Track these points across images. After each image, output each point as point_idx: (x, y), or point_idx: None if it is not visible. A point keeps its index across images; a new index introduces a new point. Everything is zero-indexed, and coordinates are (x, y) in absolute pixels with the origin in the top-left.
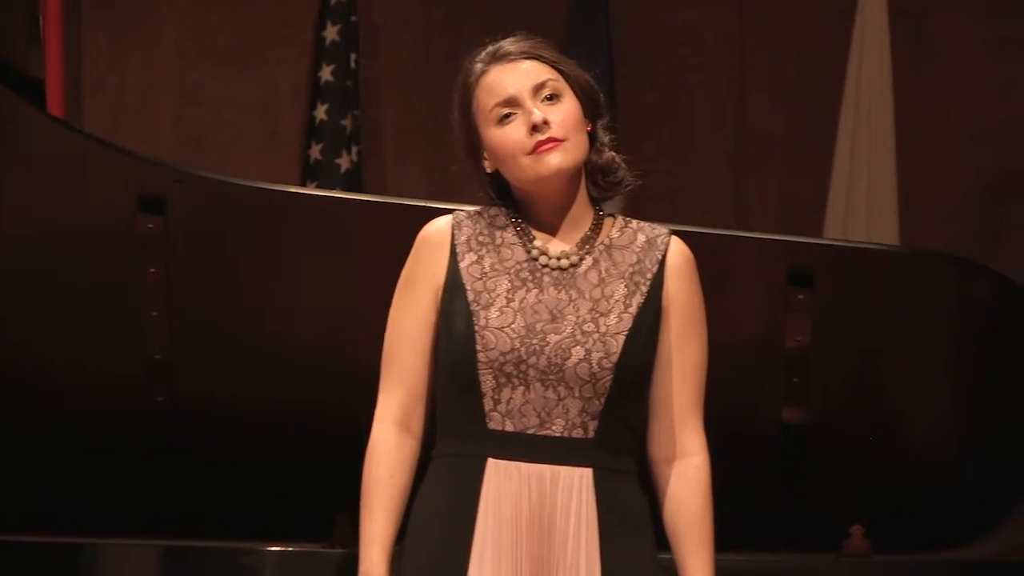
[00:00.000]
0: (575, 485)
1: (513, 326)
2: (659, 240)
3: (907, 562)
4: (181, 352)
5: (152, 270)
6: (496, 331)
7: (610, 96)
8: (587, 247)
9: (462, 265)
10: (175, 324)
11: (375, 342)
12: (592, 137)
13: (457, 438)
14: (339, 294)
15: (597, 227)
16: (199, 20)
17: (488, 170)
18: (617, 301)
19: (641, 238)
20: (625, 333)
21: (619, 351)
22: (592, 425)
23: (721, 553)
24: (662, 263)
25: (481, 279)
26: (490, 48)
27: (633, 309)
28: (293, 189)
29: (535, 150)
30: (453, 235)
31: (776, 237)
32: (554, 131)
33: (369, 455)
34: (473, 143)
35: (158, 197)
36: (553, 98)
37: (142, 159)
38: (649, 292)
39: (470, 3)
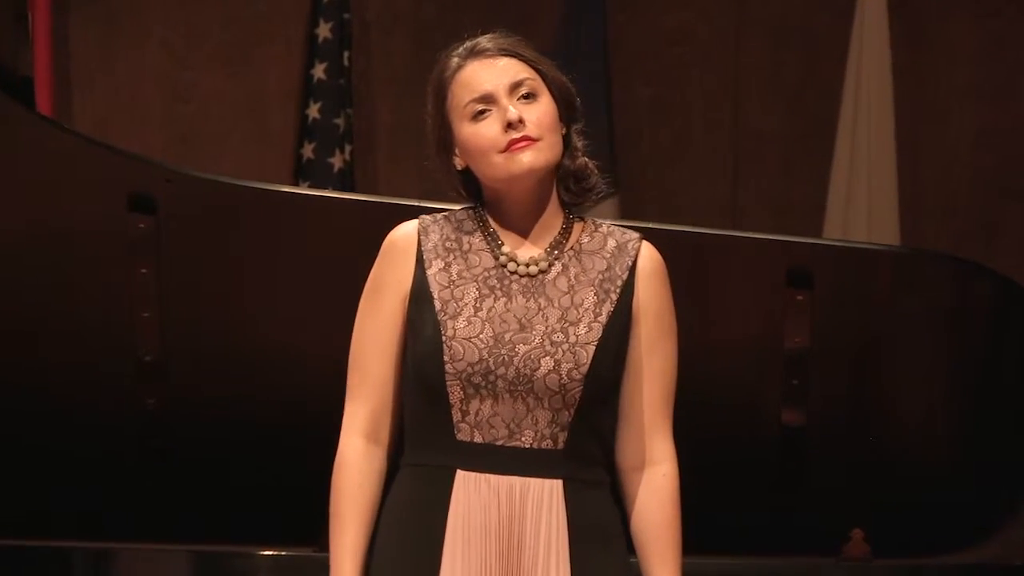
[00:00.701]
0: (545, 497)
1: (481, 336)
2: (630, 245)
3: (907, 566)
4: (172, 353)
5: (143, 270)
6: (464, 341)
7: (605, 95)
8: (556, 252)
9: (429, 272)
10: (166, 325)
11: None
12: (566, 141)
13: (425, 448)
14: (331, 295)
15: (567, 231)
16: (189, 17)
17: (459, 167)
18: (587, 310)
19: (611, 243)
20: (595, 344)
21: (588, 362)
22: (562, 436)
23: (720, 557)
24: (632, 269)
25: (448, 287)
26: (468, 43)
27: (603, 318)
28: (285, 188)
29: (508, 148)
30: (419, 241)
31: (774, 237)
32: (529, 130)
33: (338, 466)
34: (445, 138)
35: (148, 197)
36: (529, 97)
37: (132, 158)
38: (619, 300)
39: (462, 1)
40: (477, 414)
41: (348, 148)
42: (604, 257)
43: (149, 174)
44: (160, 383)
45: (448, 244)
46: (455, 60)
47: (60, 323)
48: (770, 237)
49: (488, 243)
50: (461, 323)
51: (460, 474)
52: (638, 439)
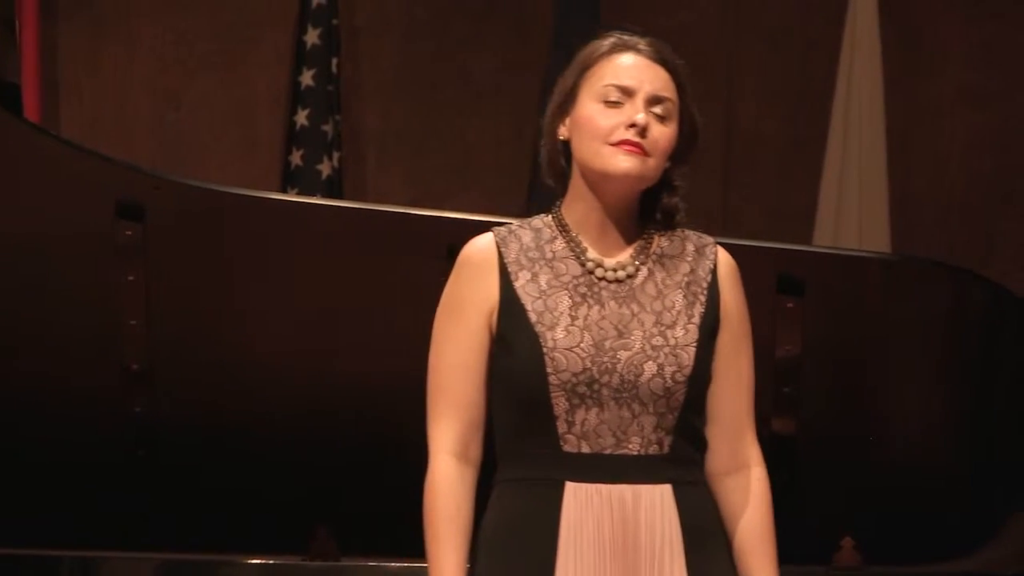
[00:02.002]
0: (657, 503)
1: (582, 345)
2: (707, 249)
3: (899, 574)
4: (160, 361)
5: (130, 277)
6: (565, 351)
7: None
8: (641, 257)
9: (517, 284)
10: (153, 332)
11: (356, 350)
12: (667, 174)
13: (528, 463)
14: (320, 302)
15: (647, 237)
16: (178, 23)
17: (562, 136)
18: (679, 312)
19: (690, 247)
20: (694, 345)
21: (691, 363)
22: (667, 441)
23: None
24: (714, 272)
25: (541, 298)
26: (634, 37)
27: (696, 320)
28: (273, 195)
29: (618, 143)
30: (500, 253)
31: (765, 244)
32: (645, 142)
33: (431, 488)
34: (564, 105)
35: (136, 203)
36: (662, 118)
37: (120, 165)
38: (707, 302)
39: (453, 6)
40: (583, 424)
41: (336, 155)
42: (686, 260)
43: (137, 181)
44: (147, 390)
45: (530, 254)
46: (614, 42)
47: (47, 330)
48: (761, 244)
49: (572, 250)
50: (560, 333)
51: (570, 486)
52: (728, 442)
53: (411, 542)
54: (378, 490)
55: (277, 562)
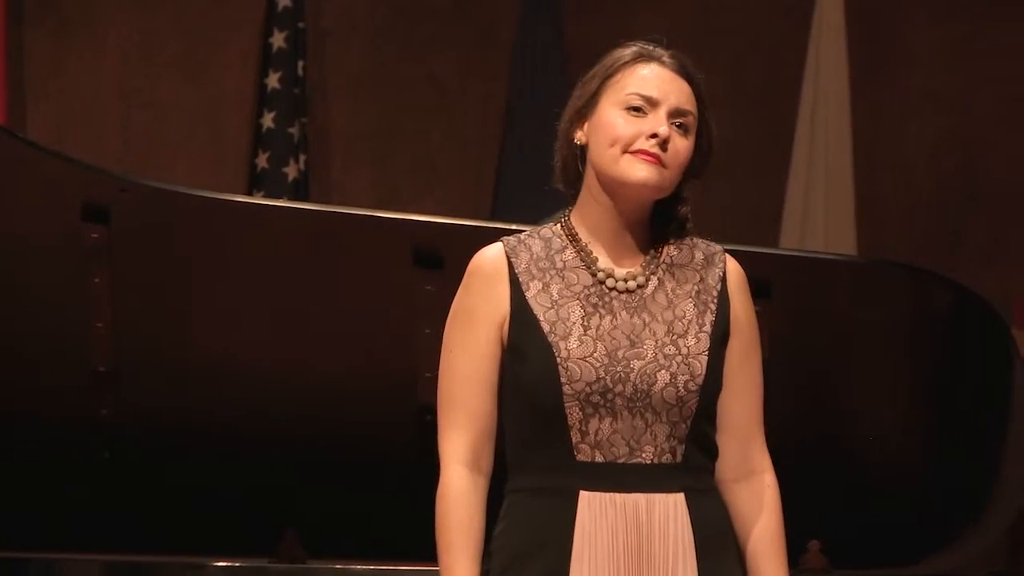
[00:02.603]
0: (671, 512)
1: (595, 355)
2: (716, 257)
3: None
4: (126, 363)
5: (96, 280)
6: (579, 361)
7: (563, 99)
8: (652, 267)
9: (529, 295)
10: (120, 335)
11: (323, 352)
12: (678, 186)
13: (542, 472)
14: (286, 304)
15: (657, 246)
16: (144, 26)
17: (579, 141)
18: (690, 321)
19: (699, 255)
20: (706, 353)
21: (703, 372)
22: (679, 449)
23: None
24: (724, 280)
25: (553, 308)
26: (658, 48)
27: (707, 328)
28: (239, 198)
29: (638, 152)
30: (510, 263)
31: (731, 247)
32: (664, 154)
33: (444, 498)
34: (583, 109)
35: (102, 206)
36: (682, 128)
37: (86, 168)
38: (717, 311)
39: (419, 8)
40: (597, 433)
41: (302, 157)
42: (695, 269)
43: (103, 184)
44: (113, 392)
45: (541, 264)
46: (637, 51)
47: (13, 333)
48: (727, 246)
49: (582, 259)
50: (573, 343)
51: (584, 495)
52: (739, 450)
53: (377, 544)
54: (344, 492)
55: (244, 564)
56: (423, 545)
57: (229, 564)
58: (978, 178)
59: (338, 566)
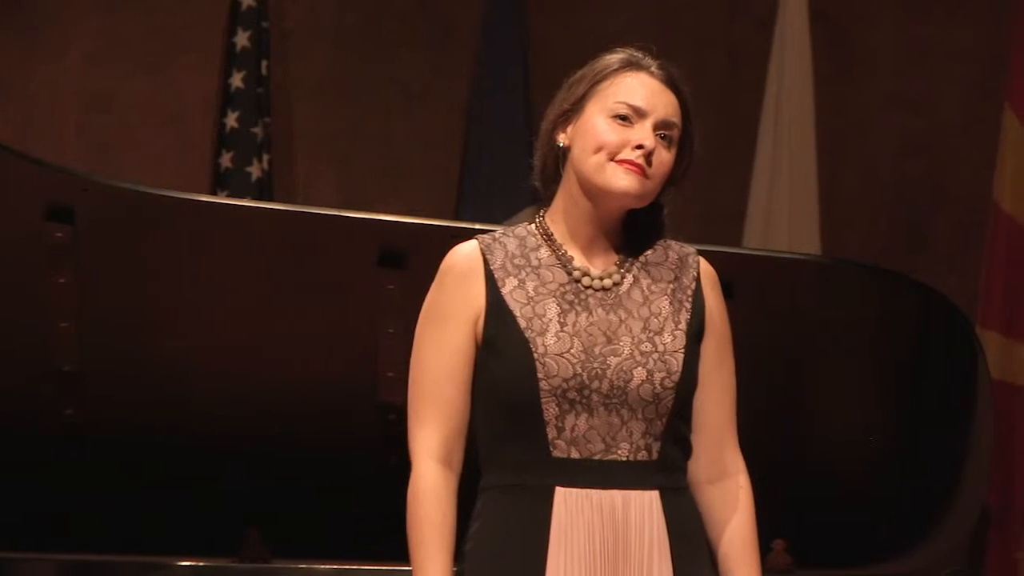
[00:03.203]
0: (646, 509)
1: (572, 351)
2: (690, 258)
3: None
4: (90, 363)
5: (60, 280)
6: (556, 357)
7: (526, 104)
8: (627, 265)
9: (504, 291)
10: (84, 335)
11: (287, 352)
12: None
13: (517, 469)
14: (251, 304)
15: (631, 247)
16: (108, 26)
17: (561, 143)
18: (666, 319)
19: (673, 255)
20: (682, 351)
21: (679, 369)
22: (655, 447)
23: None
24: (698, 280)
25: (529, 304)
26: (648, 57)
27: (683, 326)
28: (203, 198)
29: (622, 161)
30: (485, 260)
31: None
32: (648, 166)
33: (416, 494)
34: (569, 113)
35: (66, 206)
36: (666, 140)
37: (50, 168)
38: (692, 309)
39: (383, 9)
40: (573, 430)
41: (266, 157)
42: (670, 268)
43: (67, 184)
44: (79, 393)
45: (516, 261)
46: (626, 59)
47: None
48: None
49: (558, 258)
50: (550, 339)
51: (560, 491)
52: (713, 451)
53: (341, 544)
54: (308, 492)
55: (207, 564)
56: (387, 544)
57: (193, 564)
58: (942, 179)
59: (301, 565)
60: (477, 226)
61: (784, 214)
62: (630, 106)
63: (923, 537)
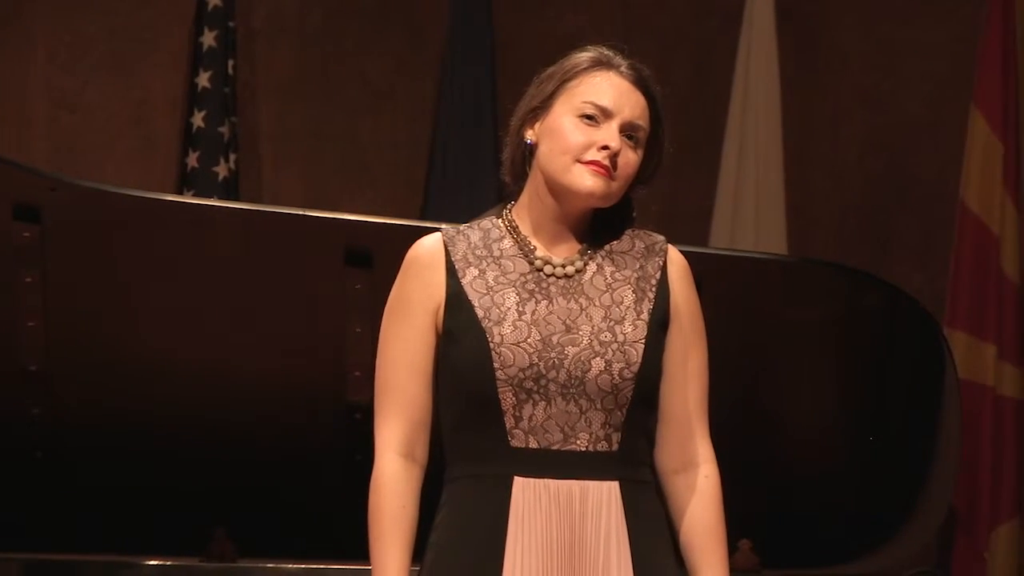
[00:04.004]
0: (604, 499)
1: (529, 340)
2: (657, 247)
3: None
4: (57, 362)
5: (27, 279)
6: (512, 347)
7: (492, 104)
8: (590, 253)
9: (464, 281)
10: (51, 334)
11: (254, 351)
12: (625, 193)
13: (477, 459)
14: (217, 303)
15: (596, 235)
16: (73, 26)
17: (529, 139)
18: (628, 308)
19: (639, 244)
20: (643, 341)
21: (639, 360)
22: (615, 437)
23: None
24: (664, 269)
25: (488, 294)
26: (618, 56)
27: (645, 316)
28: (169, 197)
29: (588, 162)
30: (447, 252)
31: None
32: (614, 168)
33: (377, 487)
34: (538, 110)
35: (33, 206)
36: (633, 141)
37: (16, 167)
38: (656, 298)
39: (349, 9)
40: (531, 419)
41: (232, 156)
42: (635, 257)
43: (34, 183)
44: (45, 392)
45: (478, 252)
46: (596, 57)
47: None
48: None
49: (520, 248)
50: (507, 328)
51: (518, 481)
52: (679, 441)
53: (307, 543)
54: (275, 491)
55: (174, 563)
56: (353, 544)
57: (160, 563)
58: (908, 178)
59: (268, 565)
60: (444, 225)
61: (750, 213)
62: (597, 106)
63: (890, 537)
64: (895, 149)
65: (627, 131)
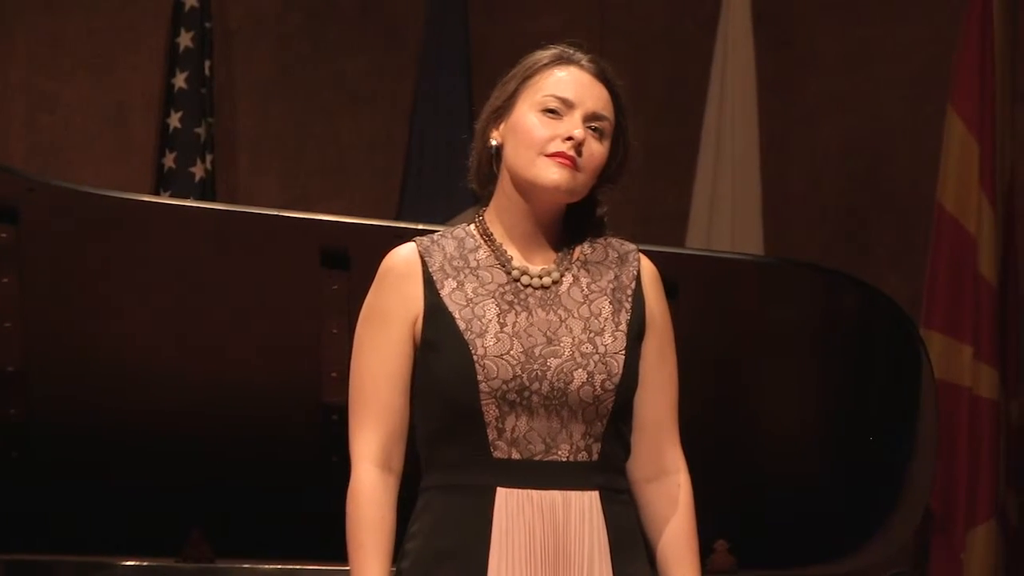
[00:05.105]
0: (586, 510)
1: (512, 352)
2: (630, 256)
3: None
4: (34, 363)
5: (4, 280)
6: (496, 359)
7: (469, 105)
8: (565, 263)
9: (443, 293)
10: (28, 335)
11: (230, 351)
12: (594, 191)
13: (458, 470)
14: (194, 303)
15: (570, 244)
16: (52, 27)
17: (494, 141)
18: (607, 319)
19: (612, 253)
20: (623, 352)
21: (620, 371)
22: (595, 448)
23: None
24: (638, 278)
25: (468, 306)
26: (579, 52)
27: (623, 327)
28: (146, 198)
29: (552, 155)
30: (424, 262)
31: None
32: (579, 157)
33: (354, 497)
34: (501, 110)
35: (10, 206)
36: (598, 132)
37: None
38: (632, 308)
39: (326, 10)
40: (513, 431)
41: (209, 157)
42: (609, 267)
43: (11, 184)
44: (21, 392)
45: (455, 263)
46: (557, 54)
47: None
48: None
49: (497, 258)
50: (489, 340)
51: (501, 492)
52: (652, 450)
53: (284, 544)
54: (251, 492)
55: (151, 564)
56: (329, 544)
57: (137, 563)
58: (885, 180)
59: (245, 565)
60: (420, 226)
61: (727, 214)
62: (558, 98)
63: (867, 538)
64: (871, 150)
65: (591, 122)
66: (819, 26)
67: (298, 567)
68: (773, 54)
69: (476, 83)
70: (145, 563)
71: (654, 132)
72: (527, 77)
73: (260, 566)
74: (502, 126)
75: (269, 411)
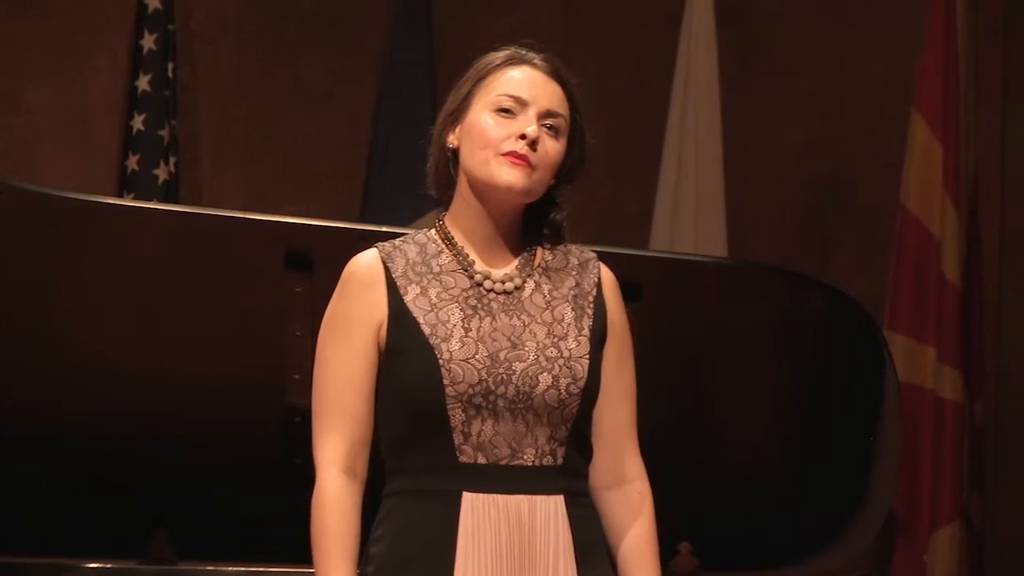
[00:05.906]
0: (551, 514)
1: (477, 357)
2: (590, 264)
3: None
4: None
5: None
6: (461, 363)
7: (432, 107)
8: (527, 269)
9: (407, 299)
10: None
11: (193, 354)
12: (552, 191)
13: (423, 474)
14: (157, 305)
15: (531, 250)
16: (13, 29)
17: (451, 144)
18: (569, 324)
19: (573, 260)
20: (587, 357)
21: (585, 375)
22: (560, 452)
23: None
24: (599, 286)
25: (432, 311)
26: (532, 52)
27: (586, 332)
28: (109, 200)
29: (507, 154)
30: (386, 268)
31: (601, 249)
32: (534, 155)
33: (320, 504)
34: (456, 113)
35: None
36: (552, 130)
37: None
38: (594, 315)
39: (289, 11)
40: (479, 435)
41: (172, 159)
42: (571, 274)
43: None
44: None
45: (418, 268)
46: (510, 54)
47: None
48: (597, 248)
49: (459, 263)
50: (455, 345)
51: (467, 496)
52: (611, 456)
53: (247, 546)
54: (214, 494)
55: (114, 566)
56: (293, 546)
57: (99, 566)
58: (848, 181)
59: (208, 567)
60: (384, 228)
61: (690, 216)
62: (512, 97)
63: (830, 541)
64: (835, 152)
65: (545, 119)
66: (782, 28)
67: (261, 569)
68: (736, 56)
69: (440, 85)
70: (108, 565)
71: (617, 133)
72: (480, 78)
73: (223, 568)
74: (458, 129)
75: (232, 413)
